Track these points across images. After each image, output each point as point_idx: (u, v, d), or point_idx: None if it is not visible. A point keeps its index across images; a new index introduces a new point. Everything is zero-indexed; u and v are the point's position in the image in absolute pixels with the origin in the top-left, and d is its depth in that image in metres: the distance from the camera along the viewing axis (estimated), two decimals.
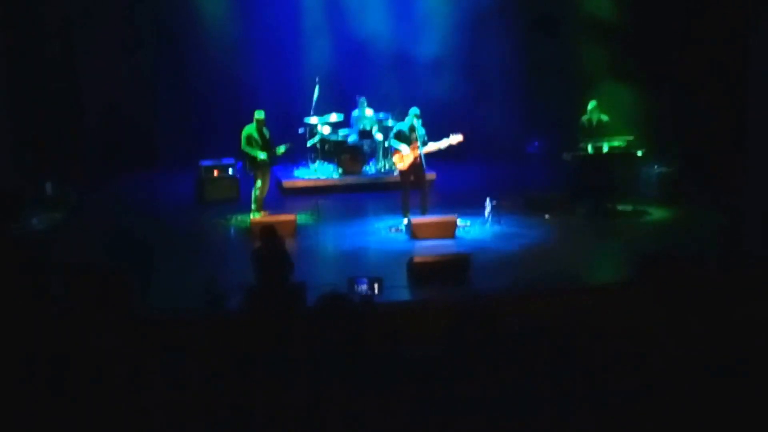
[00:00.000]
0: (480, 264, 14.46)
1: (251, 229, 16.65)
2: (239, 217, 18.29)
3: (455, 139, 17.31)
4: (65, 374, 7.70)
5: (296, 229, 16.95)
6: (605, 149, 18.04)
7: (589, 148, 18.06)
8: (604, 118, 18.75)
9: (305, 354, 7.40)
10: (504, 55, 24.13)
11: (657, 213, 18.15)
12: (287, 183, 20.97)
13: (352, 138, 21.53)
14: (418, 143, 17.07)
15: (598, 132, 18.47)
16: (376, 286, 12.90)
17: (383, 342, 7.53)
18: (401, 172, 17.49)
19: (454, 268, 13.98)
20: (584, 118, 18.88)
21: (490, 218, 17.33)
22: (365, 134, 21.49)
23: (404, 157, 17.21)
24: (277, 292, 12.09)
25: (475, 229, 17.13)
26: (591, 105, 18.75)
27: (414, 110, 17.34)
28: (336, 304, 7.48)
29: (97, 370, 7.68)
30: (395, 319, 11.36)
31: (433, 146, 17.24)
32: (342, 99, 22.31)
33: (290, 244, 13.23)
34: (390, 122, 21.19)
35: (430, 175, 18.94)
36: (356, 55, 23.63)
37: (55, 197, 18.50)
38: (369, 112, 21.74)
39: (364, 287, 12.81)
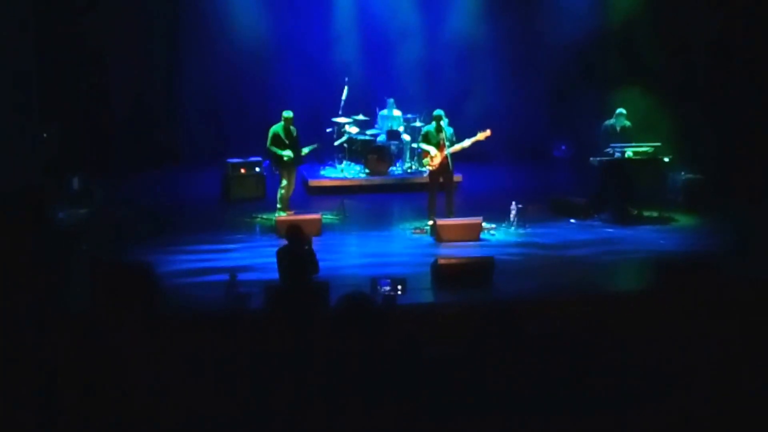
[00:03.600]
0: (504, 268, 14.42)
1: (276, 228, 16.68)
2: (265, 216, 18.31)
3: (483, 135, 17.33)
4: (86, 370, 7.73)
5: (321, 229, 16.95)
6: (632, 155, 18.03)
7: (617, 153, 18.03)
8: (627, 124, 18.70)
9: (326, 354, 7.40)
10: (532, 60, 24.12)
11: (682, 219, 18.07)
12: (313, 182, 20.98)
13: (380, 138, 21.54)
14: (446, 144, 17.08)
15: (622, 138, 18.42)
16: (399, 287, 12.88)
17: (405, 343, 7.51)
18: (430, 174, 17.51)
19: (478, 271, 13.95)
20: (608, 122, 18.84)
21: (515, 222, 17.30)
22: (393, 135, 21.50)
23: (433, 158, 17.22)
24: (301, 292, 12.10)
25: (500, 232, 17.10)
26: (619, 111, 18.69)
27: (438, 112, 17.36)
28: (358, 304, 7.48)
29: (118, 366, 7.71)
30: (418, 320, 11.34)
31: (458, 146, 17.26)
32: (371, 99, 22.32)
33: (315, 244, 13.21)
34: (418, 123, 21.20)
35: (457, 178, 18.92)
36: (385, 56, 23.65)
37: (82, 192, 18.56)
38: (397, 112, 21.76)
39: (386, 288, 12.79)
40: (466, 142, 17.37)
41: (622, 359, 7.84)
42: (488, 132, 17.40)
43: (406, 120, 21.69)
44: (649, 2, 22.05)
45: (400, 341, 7.48)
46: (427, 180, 17.86)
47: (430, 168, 17.42)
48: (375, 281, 12.98)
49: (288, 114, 18.09)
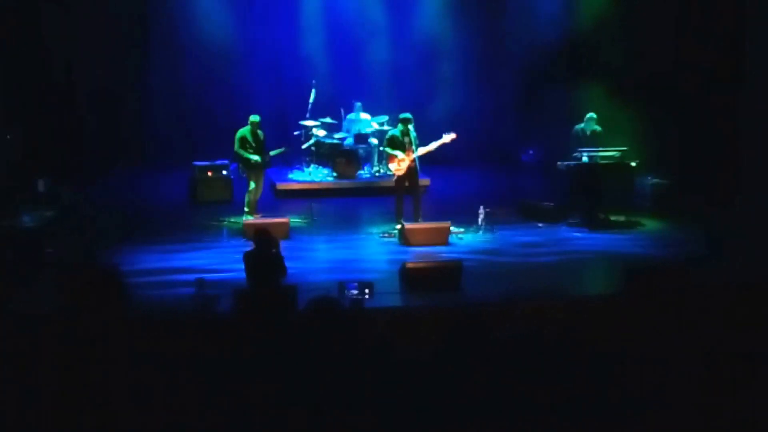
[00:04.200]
0: (472, 271, 14.40)
1: (244, 231, 16.62)
2: (232, 219, 18.24)
3: (448, 137, 17.33)
4: (53, 373, 7.67)
5: (289, 232, 16.89)
6: (599, 159, 18.07)
7: (584, 158, 18.07)
8: (598, 129, 18.74)
9: (295, 358, 7.36)
10: (500, 64, 24.17)
11: (649, 224, 18.13)
12: (281, 185, 20.91)
13: (348, 142, 21.52)
14: (413, 148, 17.07)
15: (592, 142, 18.46)
16: (366, 290, 12.85)
17: (374, 347, 7.48)
18: (396, 178, 17.48)
19: (446, 275, 13.92)
20: (578, 127, 18.87)
21: (483, 226, 17.30)
22: (361, 138, 21.48)
23: (400, 162, 17.20)
24: (268, 296, 12.04)
25: (468, 236, 17.10)
26: (589, 115, 18.73)
27: (405, 115, 17.36)
28: (326, 308, 7.43)
29: (85, 370, 7.65)
30: (386, 324, 11.31)
31: (424, 149, 17.24)
32: (338, 103, 22.29)
33: (282, 247, 13.15)
34: (386, 126, 21.19)
35: (424, 181, 18.91)
36: (353, 59, 23.66)
37: (48, 195, 18.42)
38: (365, 116, 21.75)
39: (354, 292, 12.76)
40: (432, 145, 17.36)
41: (590, 363, 7.85)
42: (453, 135, 17.39)
43: (375, 124, 21.68)
44: (616, 5, 22.12)
45: (369, 345, 7.45)
46: (394, 184, 17.83)
47: (397, 172, 17.40)
48: (342, 285, 12.94)
49: (255, 118, 18.05)
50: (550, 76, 22.72)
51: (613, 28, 21.95)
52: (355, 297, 12.58)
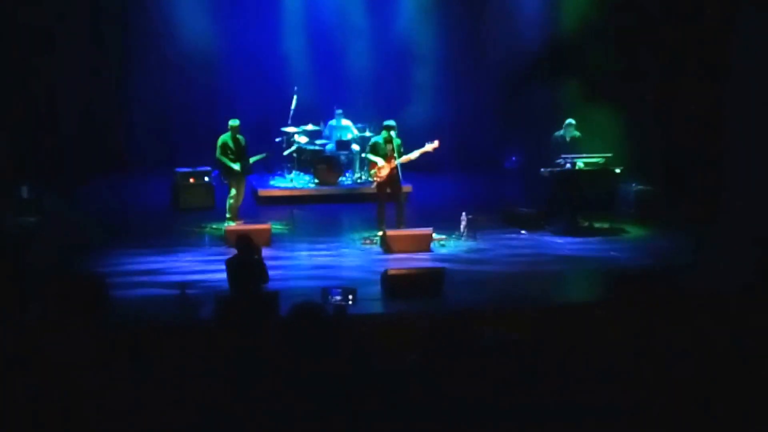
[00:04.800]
0: (454, 278, 14.40)
1: (226, 238, 16.61)
2: (214, 225, 18.22)
3: (431, 146, 17.32)
4: (35, 379, 7.64)
5: (270, 239, 16.88)
6: (582, 165, 18.09)
7: (567, 164, 18.09)
8: (577, 134, 18.78)
9: (277, 364, 7.36)
10: (482, 69, 24.20)
11: (633, 231, 18.16)
12: (262, 192, 20.89)
13: (330, 148, 21.52)
14: (395, 155, 17.06)
15: (572, 149, 18.48)
16: (349, 296, 12.85)
17: (356, 353, 7.48)
18: (378, 185, 17.46)
19: (428, 282, 13.91)
20: (557, 134, 18.91)
21: (465, 233, 17.31)
22: (343, 145, 21.48)
23: (380, 169, 17.20)
24: (250, 301, 12.04)
25: (451, 243, 17.11)
26: (568, 121, 18.76)
27: (388, 122, 17.34)
28: (309, 314, 7.43)
29: (68, 376, 7.62)
30: (369, 331, 11.32)
31: (406, 157, 17.23)
32: (320, 109, 22.29)
33: (264, 254, 13.16)
34: (368, 133, 21.19)
35: (407, 188, 18.90)
36: (335, 66, 23.65)
37: (31, 201, 18.35)
38: (346, 122, 21.75)
39: (337, 298, 12.76)
40: (414, 154, 17.35)
41: (572, 370, 7.86)
42: (436, 143, 17.37)
43: (358, 130, 21.69)
44: (600, 9, 22.14)
45: (352, 351, 7.45)
46: (376, 191, 17.82)
47: (377, 179, 17.39)
48: (326, 291, 12.94)
49: (234, 122, 18.02)
50: (532, 80, 22.73)
51: (595, 31, 21.94)
52: (338, 303, 12.58)
